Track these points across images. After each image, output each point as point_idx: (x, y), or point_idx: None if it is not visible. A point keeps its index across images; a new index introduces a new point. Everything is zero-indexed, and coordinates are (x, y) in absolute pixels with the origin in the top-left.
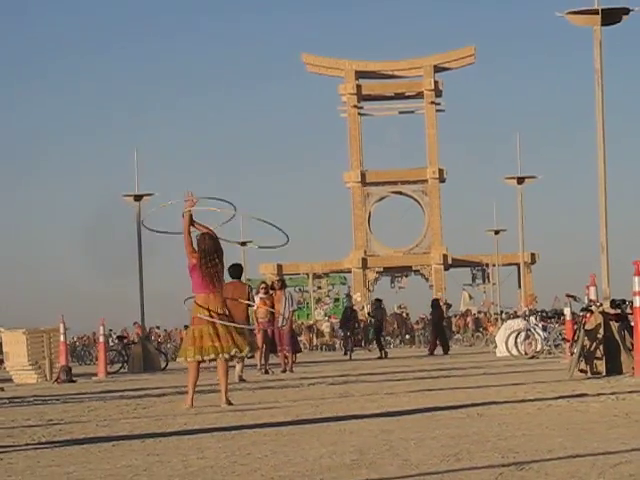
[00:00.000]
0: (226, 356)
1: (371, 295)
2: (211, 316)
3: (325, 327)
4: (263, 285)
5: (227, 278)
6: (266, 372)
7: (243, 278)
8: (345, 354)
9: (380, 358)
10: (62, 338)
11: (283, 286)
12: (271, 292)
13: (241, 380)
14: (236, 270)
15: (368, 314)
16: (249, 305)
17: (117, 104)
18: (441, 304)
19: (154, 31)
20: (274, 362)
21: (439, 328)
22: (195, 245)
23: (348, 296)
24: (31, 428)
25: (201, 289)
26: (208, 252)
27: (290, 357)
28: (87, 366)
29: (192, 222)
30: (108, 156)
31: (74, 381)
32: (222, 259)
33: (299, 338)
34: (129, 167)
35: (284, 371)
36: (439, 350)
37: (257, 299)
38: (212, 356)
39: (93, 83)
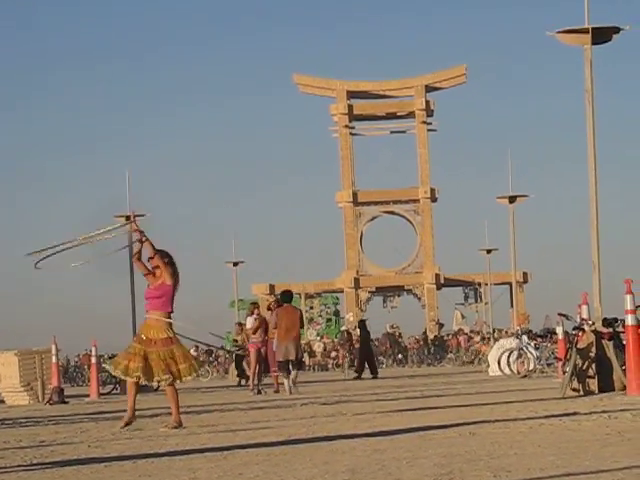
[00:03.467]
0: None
1: (364, 315)
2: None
3: (317, 347)
4: (254, 306)
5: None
6: (259, 392)
7: (234, 297)
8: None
9: (374, 378)
10: (54, 359)
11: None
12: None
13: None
14: (287, 296)
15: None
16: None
17: (109, 123)
18: (367, 326)
19: (145, 49)
20: (267, 382)
21: (366, 350)
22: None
23: (341, 317)
24: (23, 449)
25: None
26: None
27: (276, 379)
28: (79, 387)
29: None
30: (99, 177)
31: (66, 402)
32: None
33: None
34: (121, 187)
35: (276, 391)
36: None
37: (250, 320)
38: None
39: (85, 101)
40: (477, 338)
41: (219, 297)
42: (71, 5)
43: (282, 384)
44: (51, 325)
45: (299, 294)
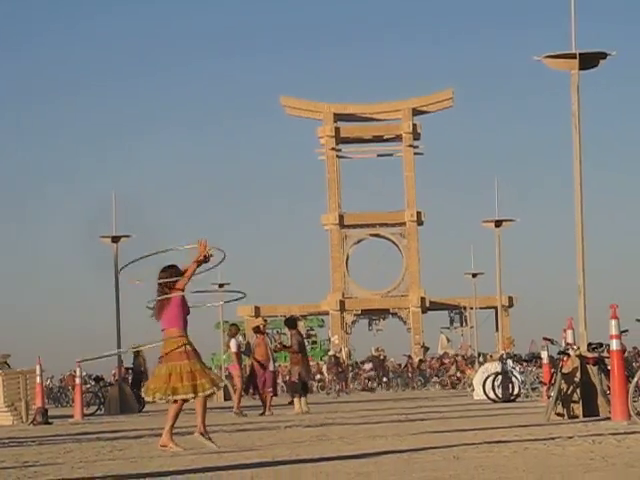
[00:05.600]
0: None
1: (349, 338)
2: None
3: None
4: (236, 329)
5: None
6: (244, 415)
7: (220, 319)
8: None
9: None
10: (38, 380)
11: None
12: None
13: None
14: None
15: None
16: None
17: (95, 145)
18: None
19: (132, 71)
20: (250, 404)
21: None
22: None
23: (328, 340)
24: (6, 470)
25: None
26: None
27: (270, 400)
28: (63, 408)
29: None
30: (85, 198)
31: (50, 423)
32: None
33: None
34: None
35: (262, 414)
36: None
37: (234, 342)
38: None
39: (74, 122)
40: (461, 361)
41: (204, 318)
42: (55, 25)
43: (291, 404)
44: (35, 345)
45: (284, 316)
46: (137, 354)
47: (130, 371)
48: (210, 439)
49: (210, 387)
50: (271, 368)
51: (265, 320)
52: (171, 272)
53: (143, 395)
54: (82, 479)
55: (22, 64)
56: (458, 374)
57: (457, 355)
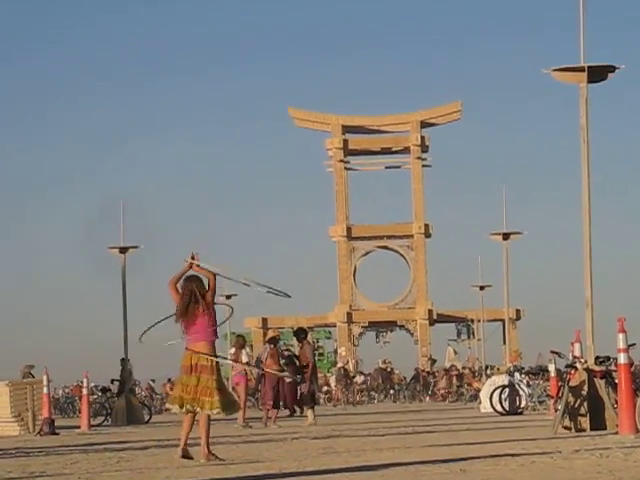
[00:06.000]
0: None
1: (356, 350)
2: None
3: None
4: (243, 339)
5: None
6: (249, 426)
7: (227, 331)
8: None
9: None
10: (45, 390)
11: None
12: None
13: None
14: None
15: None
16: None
17: (100, 154)
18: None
19: (139, 78)
20: (255, 416)
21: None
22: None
23: (335, 352)
24: None
25: None
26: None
27: (267, 412)
28: (70, 419)
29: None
30: (92, 207)
31: (57, 433)
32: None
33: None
34: (115, 219)
35: (265, 425)
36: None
37: (244, 353)
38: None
39: (75, 131)
40: (468, 374)
41: None
42: (57, 25)
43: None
44: (43, 355)
45: (292, 328)
46: (125, 364)
47: (114, 382)
48: (217, 457)
49: (222, 409)
50: (287, 380)
51: (279, 332)
52: (197, 283)
53: (168, 405)
54: None
55: (23, 64)
56: (454, 387)
57: (464, 368)
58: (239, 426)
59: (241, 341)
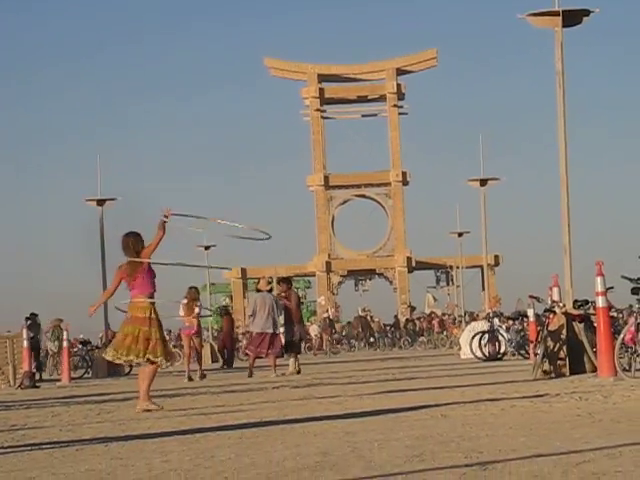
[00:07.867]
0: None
1: (335, 298)
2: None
3: None
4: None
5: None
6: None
7: (207, 281)
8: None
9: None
10: (25, 344)
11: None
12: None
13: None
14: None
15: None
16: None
17: (79, 109)
18: (231, 312)
19: (116, 38)
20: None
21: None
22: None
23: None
24: None
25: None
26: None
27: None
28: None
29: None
30: (71, 161)
31: (38, 387)
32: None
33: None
34: (91, 172)
35: (250, 375)
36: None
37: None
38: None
39: (61, 88)
40: (450, 321)
41: (191, 281)
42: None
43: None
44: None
45: (271, 277)
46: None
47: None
48: (154, 403)
49: (161, 358)
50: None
51: (269, 277)
52: (136, 238)
53: (103, 354)
54: (70, 442)
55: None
56: (445, 333)
57: (444, 314)
58: (199, 378)
59: (194, 293)
